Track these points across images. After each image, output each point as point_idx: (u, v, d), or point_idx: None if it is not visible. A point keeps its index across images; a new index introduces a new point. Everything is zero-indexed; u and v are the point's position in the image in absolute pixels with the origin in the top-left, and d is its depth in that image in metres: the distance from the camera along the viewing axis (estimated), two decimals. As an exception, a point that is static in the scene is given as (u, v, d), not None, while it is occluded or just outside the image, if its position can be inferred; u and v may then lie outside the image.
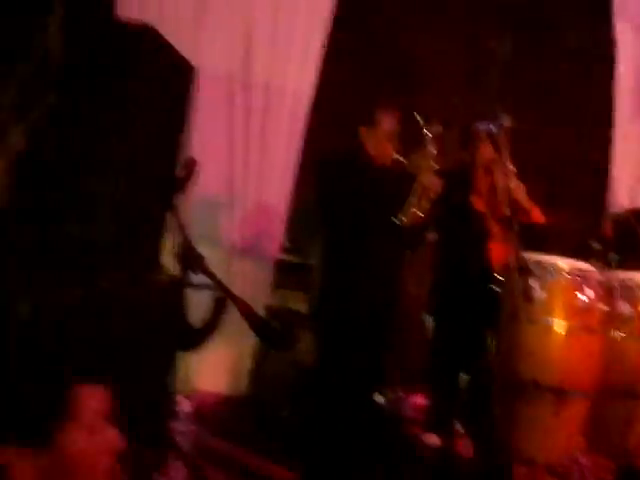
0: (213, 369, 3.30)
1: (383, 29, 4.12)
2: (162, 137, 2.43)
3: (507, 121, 2.93)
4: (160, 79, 2.36)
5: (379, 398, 3.17)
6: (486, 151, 3.03)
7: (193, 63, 2.56)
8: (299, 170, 3.65)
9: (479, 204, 3.03)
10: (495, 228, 2.95)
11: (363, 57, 4.00)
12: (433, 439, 2.90)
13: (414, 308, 3.31)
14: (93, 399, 0.96)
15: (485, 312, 2.71)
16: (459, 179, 3.07)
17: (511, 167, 2.95)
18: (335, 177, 2.89)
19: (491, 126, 2.99)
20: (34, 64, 2.19)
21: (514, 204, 2.85)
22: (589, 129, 4.10)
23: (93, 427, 0.96)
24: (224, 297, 1.84)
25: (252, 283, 3.44)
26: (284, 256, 3.69)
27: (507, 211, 2.78)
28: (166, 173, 2.42)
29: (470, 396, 2.89)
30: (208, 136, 3.45)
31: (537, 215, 2.99)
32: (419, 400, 3.38)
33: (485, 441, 2.71)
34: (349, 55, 3.94)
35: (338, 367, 2.81)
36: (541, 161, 3.90)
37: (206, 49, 3.37)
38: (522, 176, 3.08)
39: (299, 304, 3.41)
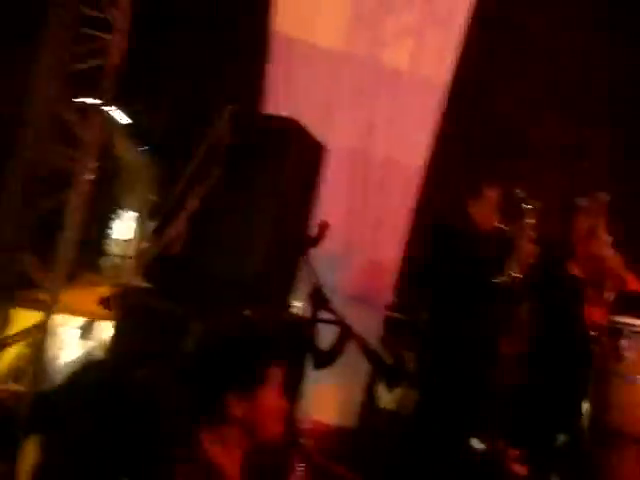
0: (326, 402, 3.71)
1: (493, 111, 4.56)
2: (300, 202, 3.02)
3: (603, 196, 3.24)
4: (299, 157, 2.98)
5: (477, 444, 3.41)
6: (585, 223, 3.33)
7: (323, 142, 3.15)
8: (410, 234, 4.11)
9: (576, 270, 3.31)
10: (591, 292, 3.20)
11: (472, 135, 4.45)
12: (520, 469, 3.11)
13: (512, 365, 3.55)
14: (278, 373, 1.47)
15: (580, 370, 2.96)
16: (559, 247, 3.38)
17: (608, 238, 3.23)
18: (444, 240, 3.32)
19: (589, 200, 3.31)
20: (208, 146, 2.89)
21: (610, 271, 3.12)
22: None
23: (277, 391, 1.46)
24: (347, 329, 2.31)
25: (363, 330, 3.87)
26: (392, 313, 4.12)
27: (602, 278, 3.06)
28: (301, 230, 2.99)
29: (568, 452, 3.08)
30: (332, 200, 4.02)
31: (632, 282, 3.21)
32: (517, 453, 3.56)
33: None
34: (459, 132, 4.40)
35: (440, 416, 3.13)
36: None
37: (335, 129, 3.99)
38: (621, 244, 3.34)
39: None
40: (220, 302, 2.39)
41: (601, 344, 2.93)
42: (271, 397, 1.45)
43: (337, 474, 2.80)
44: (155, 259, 2.55)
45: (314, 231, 2.77)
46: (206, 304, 2.37)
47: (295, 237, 2.89)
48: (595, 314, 3.12)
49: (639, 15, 4.21)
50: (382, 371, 2.54)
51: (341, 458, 3.37)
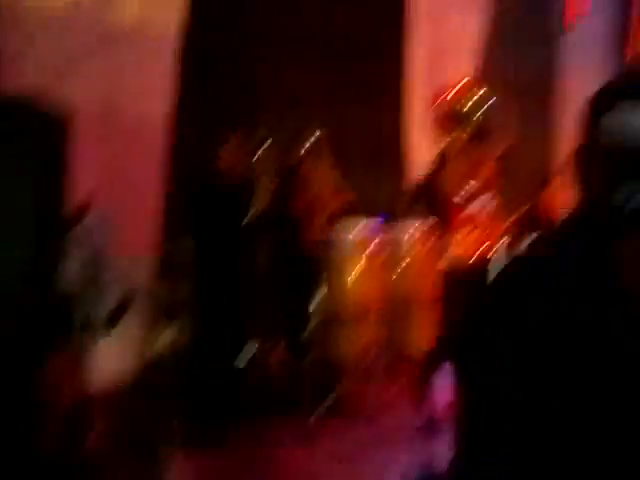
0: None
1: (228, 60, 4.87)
2: (56, 180, 3.18)
3: (321, 133, 4.00)
4: (42, 137, 3.10)
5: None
6: (308, 160, 4.07)
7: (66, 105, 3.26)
8: (167, 185, 4.50)
9: (301, 200, 4.07)
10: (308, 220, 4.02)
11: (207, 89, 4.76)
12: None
13: (263, 278, 4.27)
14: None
15: (308, 276, 3.86)
16: (285, 182, 4.10)
17: (329, 168, 4.04)
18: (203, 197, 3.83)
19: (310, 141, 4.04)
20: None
21: (330, 196, 3.97)
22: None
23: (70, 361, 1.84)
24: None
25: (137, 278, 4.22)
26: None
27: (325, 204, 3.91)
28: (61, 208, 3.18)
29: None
30: (89, 161, 4.15)
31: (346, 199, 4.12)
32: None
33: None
34: (196, 86, 4.67)
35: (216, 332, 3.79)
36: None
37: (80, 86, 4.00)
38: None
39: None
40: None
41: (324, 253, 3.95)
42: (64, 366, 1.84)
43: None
44: None
45: (74, 210, 3.02)
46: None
47: (58, 216, 3.08)
48: (314, 234, 3.98)
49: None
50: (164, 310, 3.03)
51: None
